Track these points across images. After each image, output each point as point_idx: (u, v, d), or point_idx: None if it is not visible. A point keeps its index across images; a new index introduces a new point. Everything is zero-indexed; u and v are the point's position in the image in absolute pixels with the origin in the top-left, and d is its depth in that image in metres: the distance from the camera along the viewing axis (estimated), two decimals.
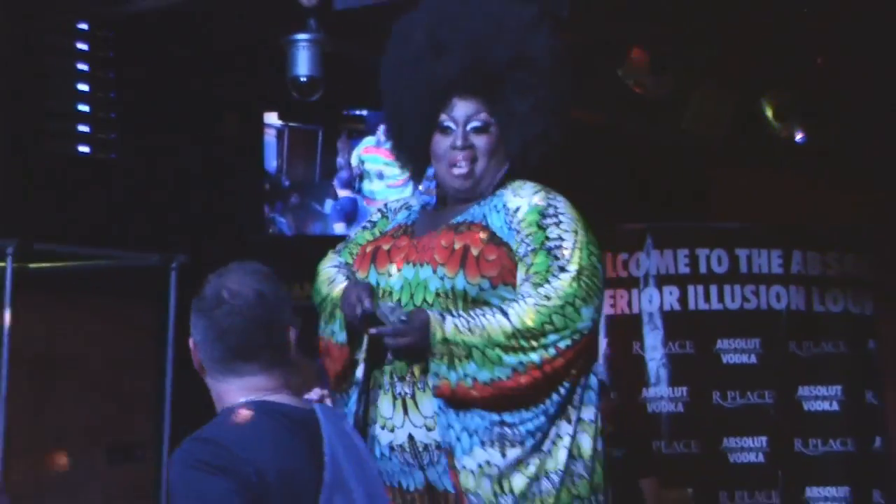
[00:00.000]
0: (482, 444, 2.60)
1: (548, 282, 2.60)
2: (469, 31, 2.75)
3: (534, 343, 2.55)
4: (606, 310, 5.64)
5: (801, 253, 6.13)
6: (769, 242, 6.13)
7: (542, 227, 2.67)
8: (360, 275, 2.78)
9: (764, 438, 5.89)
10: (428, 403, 2.65)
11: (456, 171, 2.72)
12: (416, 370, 2.65)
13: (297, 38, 4.52)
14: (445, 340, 2.53)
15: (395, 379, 2.66)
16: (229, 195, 6.26)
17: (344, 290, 2.71)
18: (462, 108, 2.75)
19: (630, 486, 5.08)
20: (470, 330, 2.54)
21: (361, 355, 2.71)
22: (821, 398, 6.03)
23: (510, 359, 2.53)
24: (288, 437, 1.98)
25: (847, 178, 6.92)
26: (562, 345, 2.54)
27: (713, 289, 6.10)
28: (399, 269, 2.68)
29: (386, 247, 2.76)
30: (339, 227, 5.96)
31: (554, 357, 2.54)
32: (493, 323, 2.55)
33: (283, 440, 1.97)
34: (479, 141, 2.74)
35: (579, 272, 2.59)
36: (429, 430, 2.66)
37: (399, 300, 2.67)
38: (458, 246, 2.66)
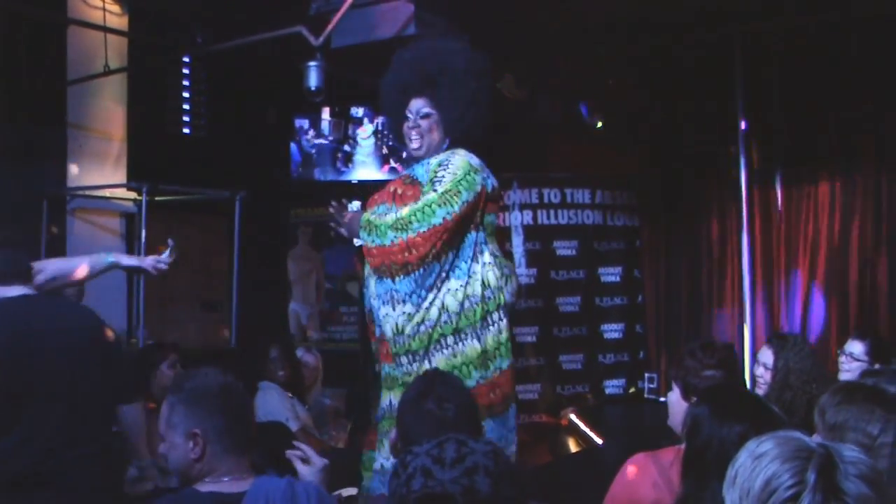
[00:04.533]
0: (384, 303, 3.10)
1: (424, 196, 3.12)
2: (419, 59, 3.29)
3: (403, 226, 3.06)
4: None
5: (601, 191, 7.43)
6: (583, 184, 7.37)
7: (437, 171, 3.16)
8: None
9: (578, 297, 7.36)
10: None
11: (410, 143, 3.26)
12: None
13: (310, 63, 5.11)
14: (367, 221, 3.17)
15: None
16: (273, 156, 7.59)
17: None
18: (414, 104, 3.25)
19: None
20: (377, 216, 3.16)
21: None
22: (610, 275, 7.48)
23: (391, 234, 3.09)
24: None
25: (625, 148, 8.03)
26: (420, 229, 3.05)
27: (551, 212, 7.27)
28: (376, 205, 3.30)
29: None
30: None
31: (413, 236, 3.04)
32: (390, 214, 3.16)
33: None
34: (424, 123, 3.21)
35: (444, 192, 3.08)
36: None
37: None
38: (400, 191, 3.26)
